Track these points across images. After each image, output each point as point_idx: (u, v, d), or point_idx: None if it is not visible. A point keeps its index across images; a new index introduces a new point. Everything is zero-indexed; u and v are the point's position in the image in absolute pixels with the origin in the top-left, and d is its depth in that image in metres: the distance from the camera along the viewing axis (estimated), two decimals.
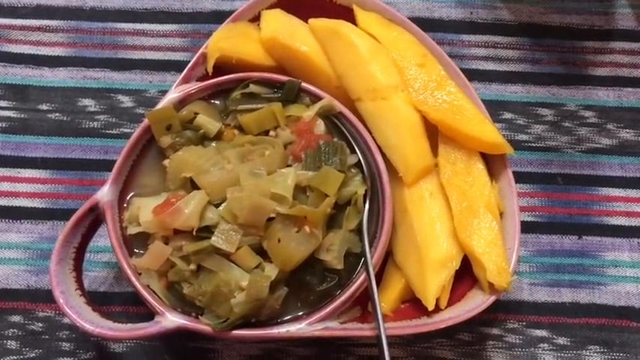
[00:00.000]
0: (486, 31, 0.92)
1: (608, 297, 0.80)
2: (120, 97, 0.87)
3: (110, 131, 0.85)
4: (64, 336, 0.77)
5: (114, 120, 0.86)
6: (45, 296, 0.77)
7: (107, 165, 0.72)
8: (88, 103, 0.86)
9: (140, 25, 0.90)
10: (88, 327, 0.65)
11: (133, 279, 0.67)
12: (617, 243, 0.83)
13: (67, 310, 0.66)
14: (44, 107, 0.86)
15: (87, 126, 0.85)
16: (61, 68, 0.88)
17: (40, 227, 0.81)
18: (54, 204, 0.82)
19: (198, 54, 0.76)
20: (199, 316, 0.67)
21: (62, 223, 0.80)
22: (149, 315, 0.68)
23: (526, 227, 0.82)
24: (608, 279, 0.81)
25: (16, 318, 0.77)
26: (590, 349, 0.78)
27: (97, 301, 0.77)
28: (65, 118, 0.85)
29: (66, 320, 0.77)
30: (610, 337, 0.79)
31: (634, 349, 0.78)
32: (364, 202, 0.71)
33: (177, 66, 0.87)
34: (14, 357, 0.76)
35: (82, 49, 0.89)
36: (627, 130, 0.88)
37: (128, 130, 0.84)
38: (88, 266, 0.78)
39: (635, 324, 0.79)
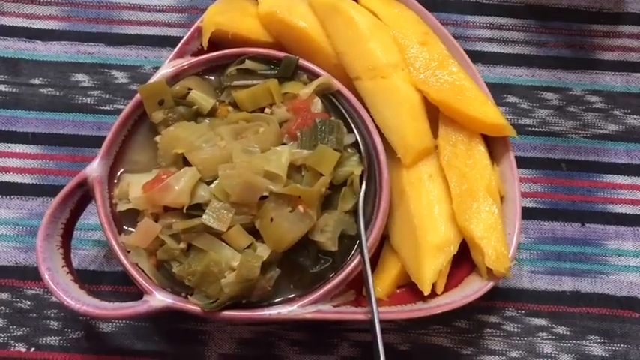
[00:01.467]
0: (491, 12, 0.89)
1: (610, 286, 0.78)
2: (114, 72, 0.85)
3: (103, 107, 0.83)
4: (53, 314, 0.75)
5: (107, 96, 0.84)
6: (34, 274, 0.76)
7: (100, 141, 0.70)
8: (82, 78, 0.84)
9: (136, 0, 0.88)
10: (74, 304, 0.64)
11: (122, 257, 0.66)
12: (620, 231, 0.81)
13: (53, 286, 0.65)
14: (37, 81, 0.84)
15: (80, 101, 0.83)
16: (54, 42, 0.86)
17: (30, 203, 0.80)
18: (44, 180, 0.80)
19: (193, 28, 0.74)
20: (189, 296, 0.65)
21: (53, 199, 0.78)
22: (139, 295, 0.66)
23: (527, 213, 0.80)
24: (611, 268, 0.79)
25: (3, 295, 0.76)
26: (590, 339, 0.76)
27: (87, 279, 0.76)
28: (58, 93, 0.84)
29: (54, 298, 0.75)
30: (611, 328, 0.77)
31: (635, 340, 0.76)
32: (361, 183, 0.69)
33: (173, 42, 0.85)
34: (1, 334, 0.74)
35: (76, 22, 0.87)
36: (634, 117, 0.85)
37: (122, 107, 0.82)
38: (78, 244, 0.77)
39: (637, 314, 0.77)
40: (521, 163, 0.82)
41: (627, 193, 0.82)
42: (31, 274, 0.76)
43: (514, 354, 0.76)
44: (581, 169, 0.83)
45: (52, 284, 0.65)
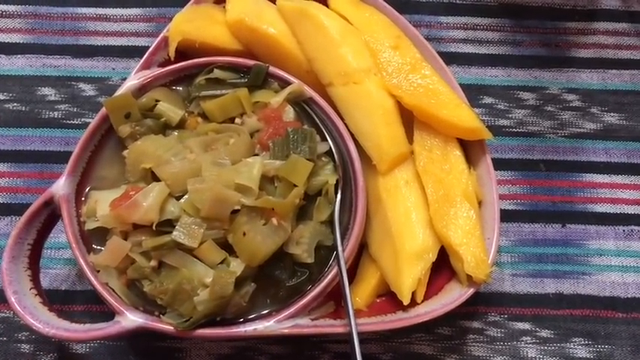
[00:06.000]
0: (465, 12, 0.88)
1: (592, 287, 0.77)
2: (81, 85, 0.83)
3: (71, 121, 0.81)
4: (24, 337, 0.73)
5: (75, 109, 0.81)
6: (1, 297, 0.73)
7: (68, 157, 0.68)
8: (48, 92, 0.82)
9: (102, 10, 0.86)
10: (42, 328, 0.62)
11: (91, 277, 0.64)
12: (601, 231, 0.80)
13: (20, 310, 0.63)
14: (1, 97, 0.82)
15: (47, 116, 0.81)
16: (18, 56, 0.83)
17: None
18: (12, 198, 0.78)
19: (159, 38, 0.72)
20: (161, 315, 0.63)
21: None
22: (113, 314, 0.64)
23: (507, 216, 0.79)
24: (593, 268, 0.78)
25: None
26: (575, 342, 0.75)
27: (58, 300, 0.74)
28: (24, 108, 0.81)
29: None
30: (595, 329, 0.76)
31: (619, 341, 0.75)
32: (336, 192, 0.67)
33: (141, 52, 0.81)
34: None
35: (40, 35, 0.84)
36: (612, 114, 0.84)
37: (90, 120, 0.78)
38: (48, 263, 0.75)
39: (620, 315, 0.76)
40: (500, 164, 0.81)
41: (607, 191, 0.81)
42: (0, 297, 0.74)
43: (498, 359, 0.74)
44: (560, 169, 0.82)
45: (18, 308, 0.63)
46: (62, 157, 0.79)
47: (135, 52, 0.84)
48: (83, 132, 0.69)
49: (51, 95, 0.82)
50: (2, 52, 0.83)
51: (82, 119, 0.81)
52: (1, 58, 0.83)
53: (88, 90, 0.82)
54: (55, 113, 0.81)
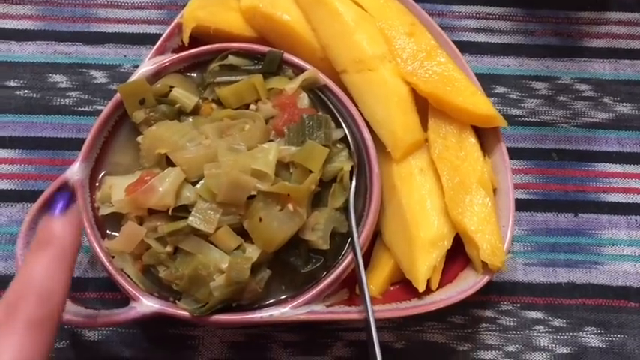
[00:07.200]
0: (478, 1, 0.88)
1: (605, 276, 0.77)
2: (93, 72, 0.82)
3: (83, 108, 0.81)
4: None
5: (86, 97, 0.81)
6: None
7: (80, 144, 0.68)
8: (59, 79, 0.82)
9: None
10: None
11: (106, 262, 0.64)
12: (614, 220, 0.80)
13: None
14: (12, 84, 0.81)
15: (58, 103, 0.81)
16: (29, 42, 0.83)
17: (9, 210, 0.77)
18: (24, 185, 0.78)
19: (173, 24, 0.72)
20: (177, 301, 0.63)
21: (33, 205, 0.76)
22: (126, 301, 0.64)
23: (520, 205, 0.79)
24: (605, 258, 0.78)
25: None
26: (587, 331, 0.75)
27: (71, 286, 0.73)
28: (35, 95, 0.81)
29: None
30: (607, 318, 0.76)
31: (631, 330, 0.75)
32: (351, 179, 0.67)
33: (153, 39, 0.82)
34: None
35: (52, 22, 0.84)
36: (624, 104, 0.84)
37: (101, 107, 0.80)
38: None
39: (632, 304, 0.76)
40: (512, 154, 0.81)
41: (619, 181, 0.81)
42: None
43: (511, 348, 0.74)
44: (572, 158, 0.82)
45: None
46: (74, 144, 0.79)
47: (146, 39, 0.84)
48: (95, 119, 0.68)
49: (62, 82, 0.82)
50: (13, 39, 0.83)
51: (94, 106, 0.81)
52: (12, 45, 0.83)
53: (100, 77, 0.82)
54: (67, 100, 0.81)
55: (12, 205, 0.77)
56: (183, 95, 0.68)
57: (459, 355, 0.74)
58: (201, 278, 0.61)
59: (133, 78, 0.69)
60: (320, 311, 0.64)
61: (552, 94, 0.84)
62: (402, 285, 0.70)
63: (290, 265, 0.64)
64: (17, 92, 0.81)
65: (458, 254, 0.69)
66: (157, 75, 0.69)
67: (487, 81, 0.84)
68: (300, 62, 0.70)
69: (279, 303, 0.64)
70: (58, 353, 0.72)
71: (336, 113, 0.69)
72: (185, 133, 0.65)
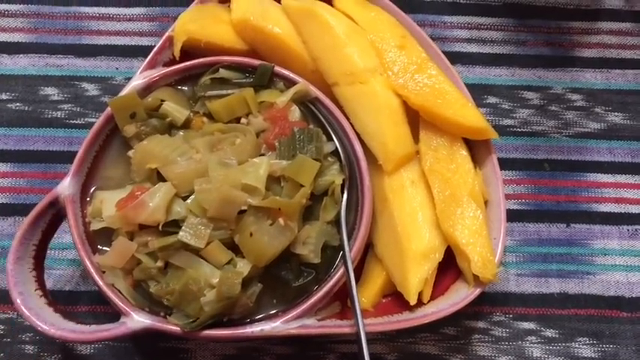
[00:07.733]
0: (469, 11, 0.88)
1: (597, 287, 0.77)
2: (84, 85, 0.82)
3: (74, 121, 0.81)
4: (27, 338, 0.73)
5: (78, 109, 0.81)
6: (6, 297, 0.72)
7: (71, 157, 0.68)
8: (51, 91, 0.82)
9: (105, 9, 0.85)
10: (48, 329, 0.61)
11: (97, 278, 0.63)
12: (606, 230, 0.80)
13: (25, 311, 0.62)
14: (4, 97, 0.81)
15: (50, 116, 0.81)
16: (21, 55, 0.83)
17: (0, 224, 0.77)
18: (15, 199, 0.78)
19: (164, 37, 0.72)
20: (168, 316, 0.63)
21: (24, 219, 0.76)
22: (118, 315, 0.64)
23: (512, 215, 0.79)
24: (597, 268, 0.78)
25: None
26: (580, 341, 0.75)
27: (63, 300, 0.73)
28: (26, 108, 0.81)
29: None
30: (599, 329, 0.76)
31: (624, 340, 0.75)
32: (342, 192, 0.67)
33: (144, 51, 0.82)
34: None
35: (43, 34, 0.84)
36: (616, 114, 0.85)
37: (93, 120, 0.80)
38: (52, 264, 0.75)
39: (625, 314, 0.76)
40: (504, 164, 0.81)
41: (611, 191, 0.81)
42: (4, 297, 0.74)
43: (503, 359, 0.74)
44: (564, 168, 0.82)
45: (24, 309, 0.62)
46: (65, 157, 0.79)
47: (138, 51, 0.84)
48: (86, 132, 0.68)
49: (54, 95, 0.82)
50: (5, 52, 0.83)
51: (86, 119, 0.81)
52: (4, 58, 0.83)
53: (92, 90, 0.82)
54: (58, 113, 0.81)
55: (3, 219, 0.77)
56: (174, 109, 0.68)
57: None
58: (191, 293, 0.61)
59: (124, 92, 0.69)
60: (311, 325, 0.64)
61: (544, 104, 0.85)
62: (394, 297, 0.70)
63: (281, 279, 0.64)
64: (9, 105, 0.81)
65: (449, 267, 0.69)
66: (147, 89, 0.69)
67: (479, 91, 0.84)
68: (292, 75, 0.70)
69: (270, 317, 0.64)
70: None
71: (327, 126, 0.69)
72: (176, 147, 0.65)
